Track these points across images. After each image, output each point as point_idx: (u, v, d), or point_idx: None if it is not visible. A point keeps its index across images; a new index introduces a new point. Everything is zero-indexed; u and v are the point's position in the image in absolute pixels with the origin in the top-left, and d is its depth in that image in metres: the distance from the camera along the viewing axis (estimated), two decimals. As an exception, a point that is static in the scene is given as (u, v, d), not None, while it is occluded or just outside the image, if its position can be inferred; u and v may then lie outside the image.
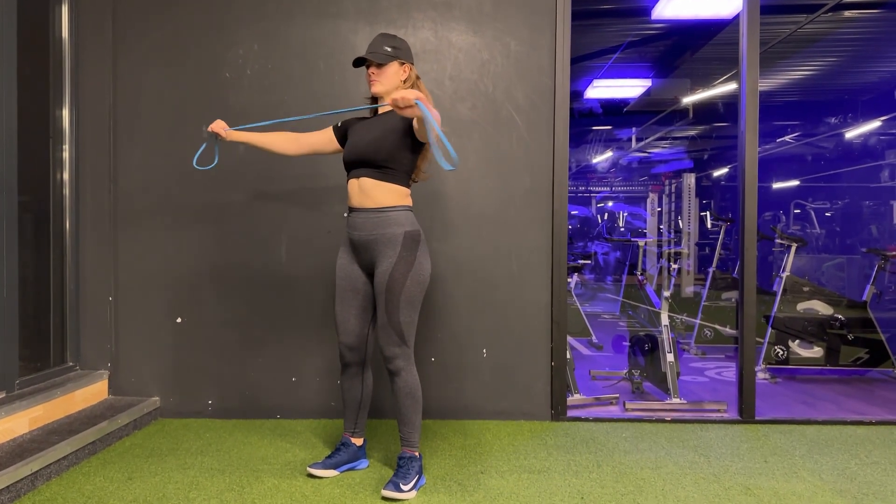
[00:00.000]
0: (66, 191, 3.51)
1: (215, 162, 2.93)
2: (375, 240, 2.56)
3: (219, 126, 2.80)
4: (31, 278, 3.29)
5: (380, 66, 2.61)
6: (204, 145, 2.95)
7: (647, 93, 8.71)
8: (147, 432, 3.32)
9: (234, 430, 3.38)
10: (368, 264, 2.63)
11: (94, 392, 3.43)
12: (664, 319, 4.16)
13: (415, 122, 2.44)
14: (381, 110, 2.69)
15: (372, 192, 2.56)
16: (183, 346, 3.58)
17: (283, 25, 3.57)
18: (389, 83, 2.62)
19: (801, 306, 4.97)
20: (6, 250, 2.92)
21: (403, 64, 2.64)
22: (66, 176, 3.51)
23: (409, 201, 2.63)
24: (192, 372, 3.58)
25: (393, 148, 2.53)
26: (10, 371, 2.97)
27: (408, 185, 2.63)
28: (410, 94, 2.21)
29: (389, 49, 2.61)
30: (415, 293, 2.54)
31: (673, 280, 6.92)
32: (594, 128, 12.05)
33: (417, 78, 2.70)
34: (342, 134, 2.79)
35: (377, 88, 2.62)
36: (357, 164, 2.60)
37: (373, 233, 2.56)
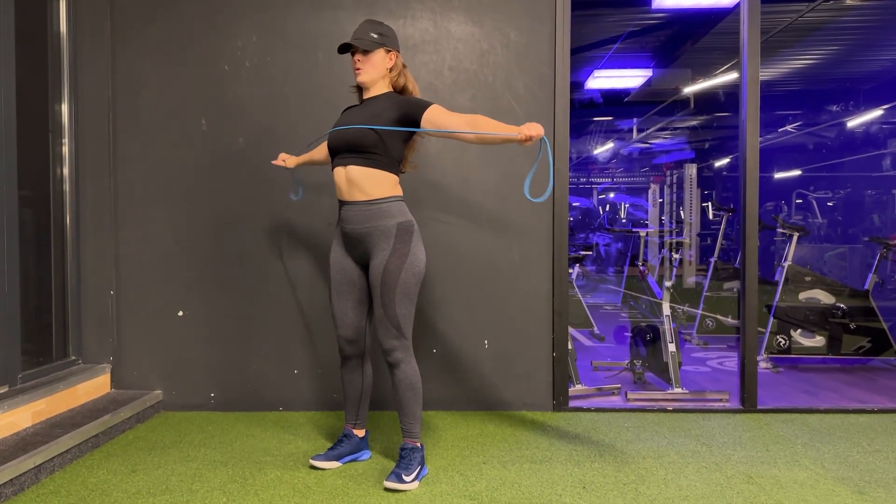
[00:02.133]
0: (67, 185, 3.51)
1: (300, 195, 3.26)
2: (368, 232, 2.53)
3: (279, 160, 3.03)
4: (33, 273, 3.29)
5: (365, 52, 2.55)
6: (293, 181, 3.30)
7: (648, 83, 8.68)
8: (150, 425, 3.33)
9: (237, 422, 3.39)
10: (362, 257, 2.61)
11: (96, 386, 3.44)
12: (666, 310, 4.16)
13: (501, 138, 2.36)
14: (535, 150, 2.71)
15: (360, 183, 2.51)
16: (185, 340, 3.59)
17: (282, 17, 3.56)
18: (375, 71, 2.57)
19: (802, 296, 4.97)
20: (7, 245, 2.92)
21: (389, 51, 2.59)
22: (66, 170, 3.51)
23: (399, 191, 2.58)
24: (194, 365, 3.59)
25: (379, 135, 2.48)
26: (13, 365, 2.97)
27: (397, 174, 2.58)
28: (540, 130, 2.26)
29: (376, 36, 2.55)
30: (410, 285, 2.52)
31: (674, 270, 6.91)
32: (595, 119, 12.02)
33: (403, 66, 2.65)
34: None
35: (363, 77, 2.57)
36: (342, 151, 2.54)
37: (365, 225, 2.53)
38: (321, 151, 2.98)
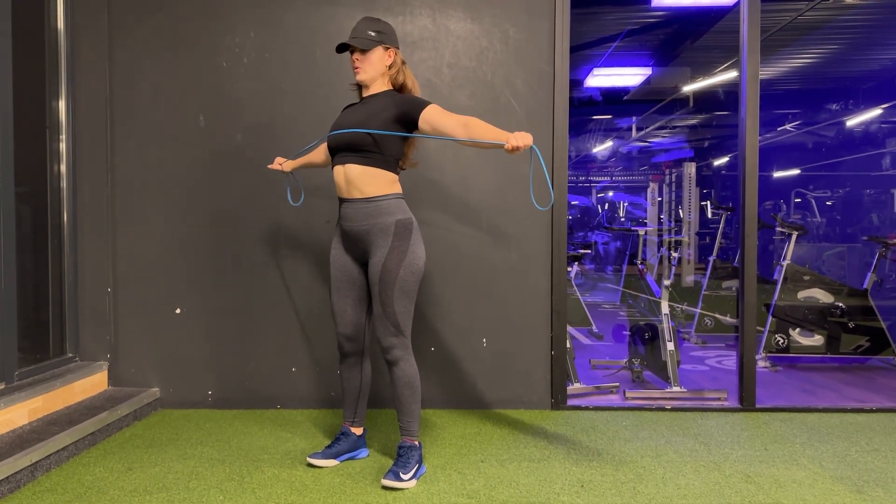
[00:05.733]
0: (64, 182, 3.49)
1: (301, 199, 3.32)
2: (367, 230, 2.53)
3: (276, 164, 3.01)
4: (30, 270, 3.28)
5: (364, 51, 2.55)
6: (288, 186, 3.29)
7: (648, 81, 8.67)
8: (147, 423, 3.33)
9: (234, 420, 3.38)
10: (362, 254, 2.61)
11: (93, 383, 3.43)
12: (664, 308, 4.15)
13: (470, 141, 2.39)
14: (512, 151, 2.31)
15: (358, 181, 2.51)
16: (182, 337, 3.58)
17: (280, 12, 3.55)
18: (374, 69, 2.57)
19: (801, 295, 4.96)
20: (4, 242, 2.91)
21: (388, 49, 2.58)
22: (63, 167, 3.49)
23: (398, 188, 2.58)
24: (192, 362, 3.58)
25: (378, 134, 2.48)
26: (10, 362, 2.96)
27: (396, 172, 2.58)
28: (529, 140, 2.24)
29: (373, 33, 2.55)
30: (409, 283, 2.51)
31: (673, 269, 6.91)
32: (594, 117, 12.01)
33: (403, 63, 2.64)
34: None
35: (362, 76, 2.57)
36: (341, 150, 2.54)
37: (364, 223, 2.53)
38: (319, 154, 2.96)
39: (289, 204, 3.54)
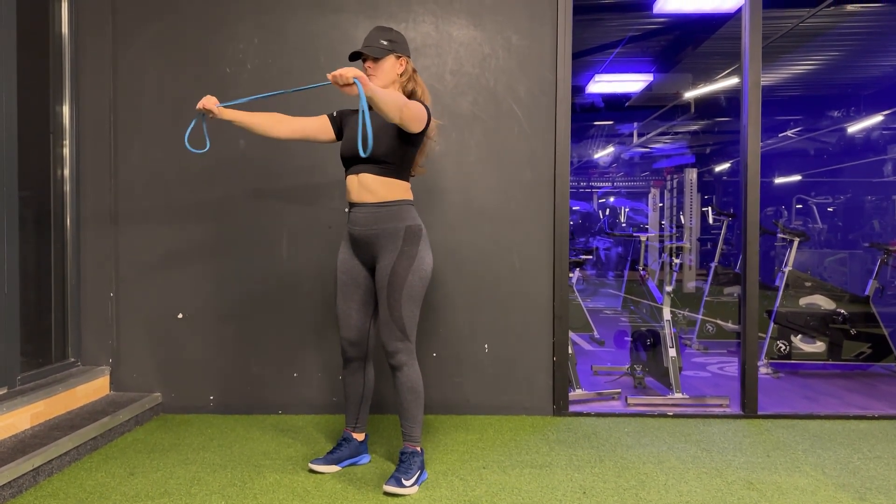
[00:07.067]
0: (67, 187, 3.50)
1: (207, 147, 2.83)
2: (377, 234, 2.54)
3: (210, 102, 2.59)
4: (33, 274, 3.28)
5: (376, 60, 2.58)
6: (193, 122, 2.75)
7: (649, 87, 8.68)
8: (148, 428, 3.32)
9: (236, 425, 3.38)
10: (370, 259, 2.62)
11: (95, 388, 3.43)
12: (666, 314, 4.15)
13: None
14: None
15: (372, 187, 2.54)
16: (184, 342, 3.58)
17: (284, 19, 3.56)
18: (386, 77, 2.59)
19: (803, 301, 4.96)
20: (7, 246, 2.92)
21: (400, 57, 2.61)
22: (66, 172, 3.50)
23: (409, 195, 2.61)
24: (194, 367, 3.58)
25: (391, 142, 2.51)
26: (12, 367, 2.97)
27: (408, 179, 2.62)
28: (348, 72, 2.18)
29: (385, 42, 2.58)
30: (416, 288, 2.53)
31: (675, 275, 6.91)
32: (596, 123, 12.03)
33: (414, 71, 2.67)
34: (338, 126, 2.76)
35: (373, 83, 2.60)
36: (356, 160, 2.57)
37: (374, 227, 2.54)
38: (262, 120, 2.69)
39: (291, 208, 3.55)
